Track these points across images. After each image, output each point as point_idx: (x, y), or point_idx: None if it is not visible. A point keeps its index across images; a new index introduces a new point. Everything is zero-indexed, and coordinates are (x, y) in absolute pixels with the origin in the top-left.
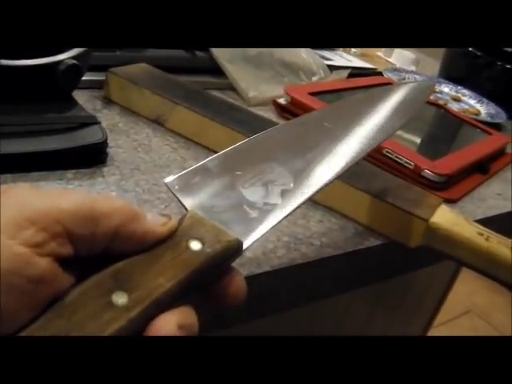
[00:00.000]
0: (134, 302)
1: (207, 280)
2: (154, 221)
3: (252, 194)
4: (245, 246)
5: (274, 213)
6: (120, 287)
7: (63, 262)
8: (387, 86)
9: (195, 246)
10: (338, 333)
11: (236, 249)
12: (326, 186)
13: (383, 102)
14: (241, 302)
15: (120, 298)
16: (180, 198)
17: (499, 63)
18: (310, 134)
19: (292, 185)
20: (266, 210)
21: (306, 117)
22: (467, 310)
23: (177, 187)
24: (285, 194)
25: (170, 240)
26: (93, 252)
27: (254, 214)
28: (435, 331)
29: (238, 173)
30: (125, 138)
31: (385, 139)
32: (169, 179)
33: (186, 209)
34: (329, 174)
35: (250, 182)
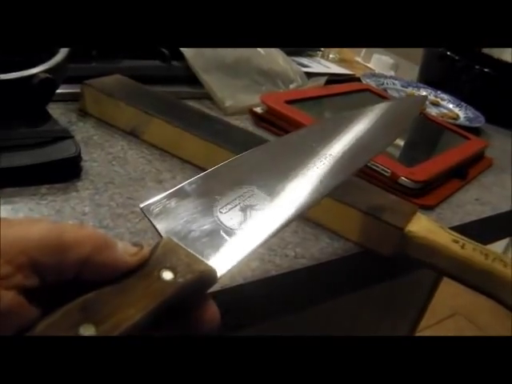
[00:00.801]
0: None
1: (180, 309)
2: (125, 250)
3: (230, 218)
4: (220, 273)
5: (251, 239)
6: (88, 319)
7: (30, 292)
8: (378, 105)
9: (167, 275)
10: None
11: (209, 278)
12: (307, 209)
13: (371, 120)
14: (214, 330)
15: (87, 331)
16: (155, 224)
17: (477, 67)
18: (293, 154)
19: (271, 209)
20: (243, 235)
21: (290, 136)
22: (453, 313)
23: (152, 212)
24: (263, 218)
25: (141, 269)
26: (61, 282)
27: (230, 240)
28: (421, 334)
29: (216, 197)
30: (99, 151)
31: (372, 158)
32: (144, 204)
33: (160, 235)
34: (310, 197)
35: (228, 206)
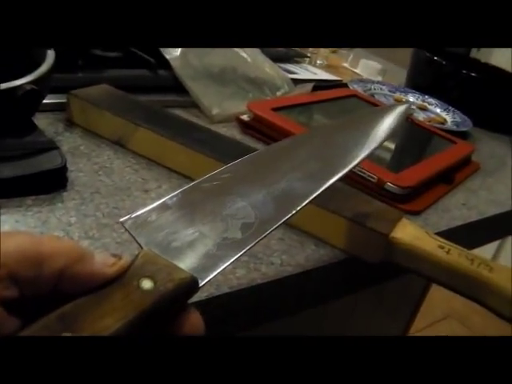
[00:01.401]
0: None
1: (161, 318)
2: (103, 261)
3: (211, 229)
4: (201, 282)
5: (232, 248)
6: (66, 330)
7: (9, 304)
8: (362, 113)
9: (146, 284)
10: None
11: (190, 286)
12: (289, 218)
13: (355, 128)
14: None
15: None
16: (136, 237)
17: (464, 71)
18: (277, 165)
19: (253, 218)
20: (224, 245)
21: (274, 147)
22: (445, 316)
23: (133, 226)
24: (245, 228)
25: (120, 280)
26: (40, 293)
27: (212, 249)
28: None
29: (198, 208)
30: (86, 161)
31: (355, 165)
32: (124, 218)
33: (141, 247)
34: (292, 207)
35: (209, 217)
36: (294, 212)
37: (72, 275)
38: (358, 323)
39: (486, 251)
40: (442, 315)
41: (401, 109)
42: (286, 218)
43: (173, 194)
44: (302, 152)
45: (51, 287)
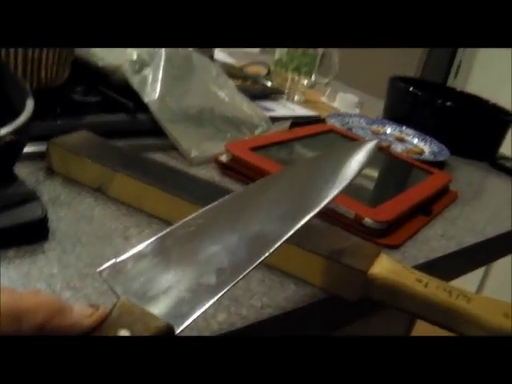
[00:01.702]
0: None
1: None
2: (81, 312)
3: (186, 275)
4: (178, 329)
5: (208, 293)
6: None
7: None
8: (332, 150)
9: (124, 334)
10: None
11: (166, 334)
12: (263, 261)
13: (325, 167)
14: None
15: None
16: (113, 286)
17: (439, 101)
18: (248, 207)
19: (227, 263)
20: (199, 290)
21: (248, 188)
22: None
23: (110, 275)
24: (219, 273)
25: (98, 330)
26: None
27: (187, 296)
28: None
29: (173, 255)
30: (67, 209)
31: (326, 204)
32: (102, 268)
33: (118, 297)
34: (265, 249)
35: (184, 263)
36: (266, 254)
37: (51, 328)
38: (357, 326)
39: (472, 281)
40: None
41: (370, 145)
42: (259, 260)
43: (148, 242)
44: (272, 193)
45: None
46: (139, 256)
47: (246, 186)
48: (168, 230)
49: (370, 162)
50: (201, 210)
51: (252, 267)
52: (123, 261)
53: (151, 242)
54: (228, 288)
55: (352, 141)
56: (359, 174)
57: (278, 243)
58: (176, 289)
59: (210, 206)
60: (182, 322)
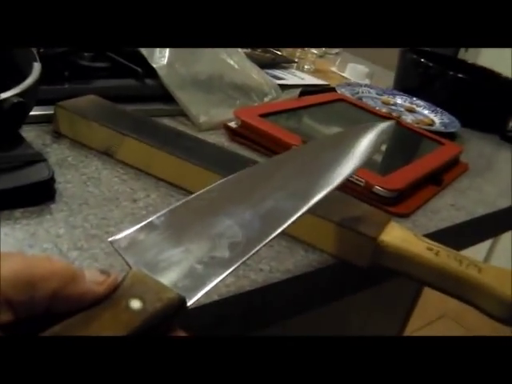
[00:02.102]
0: None
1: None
2: (93, 279)
3: (199, 248)
4: (190, 301)
5: (220, 267)
6: None
7: (4, 326)
8: (347, 130)
9: (135, 304)
10: None
11: (178, 305)
12: (276, 237)
13: (340, 147)
14: None
15: None
16: (125, 257)
17: (451, 72)
18: (263, 184)
19: (240, 237)
20: (212, 264)
21: (261, 165)
22: (441, 315)
23: (122, 245)
24: (233, 247)
25: (110, 299)
26: (33, 315)
27: (200, 268)
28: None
29: (185, 228)
30: (74, 172)
31: (340, 183)
32: (114, 238)
33: (130, 267)
34: (278, 225)
35: (197, 236)
36: (279, 230)
37: (64, 296)
38: (352, 324)
39: (479, 252)
40: (437, 315)
41: (384, 125)
42: (273, 236)
43: (160, 214)
44: (287, 171)
45: (44, 308)
46: (151, 227)
47: (260, 163)
48: (181, 202)
49: (385, 142)
50: (214, 184)
51: (265, 243)
52: (135, 231)
53: (163, 214)
54: (240, 262)
55: (362, 110)
56: (374, 153)
57: (292, 220)
58: (188, 261)
59: (224, 179)
60: (194, 295)
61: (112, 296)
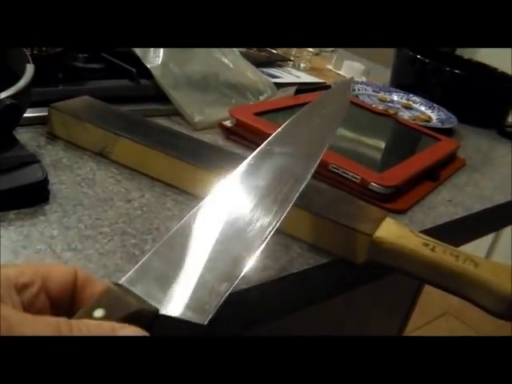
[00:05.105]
0: None
1: None
2: None
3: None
4: (206, 321)
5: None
6: None
7: None
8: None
9: (98, 313)
10: None
11: (149, 315)
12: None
13: (309, 119)
14: None
15: None
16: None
17: (447, 68)
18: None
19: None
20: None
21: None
22: (443, 312)
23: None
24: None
25: (80, 311)
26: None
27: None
28: (413, 335)
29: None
30: (68, 173)
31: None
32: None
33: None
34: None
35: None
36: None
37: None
38: (353, 322)
39: (481, 247)
40: (439, 312)
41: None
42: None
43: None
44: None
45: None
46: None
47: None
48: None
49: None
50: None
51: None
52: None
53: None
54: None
55: (359, 108)
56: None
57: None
58: (167, 273)
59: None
60: (209, 312)
61: (83, 308)
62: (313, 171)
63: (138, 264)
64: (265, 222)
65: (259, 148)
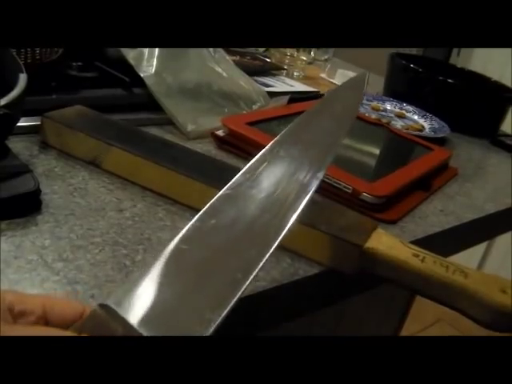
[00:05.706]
0: None
1: None
2: None
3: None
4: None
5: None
6: None
7: None
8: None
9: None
10: None
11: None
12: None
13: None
14: None
15: None
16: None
17: (441, 77)
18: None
19: None
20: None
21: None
22: (437, 319)
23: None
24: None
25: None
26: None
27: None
28: None
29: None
30: (60, 182)
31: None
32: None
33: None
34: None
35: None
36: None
37: None
38: (346, 330)
39: (474, 256)
40: (433, 319)
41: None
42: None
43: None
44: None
45: None
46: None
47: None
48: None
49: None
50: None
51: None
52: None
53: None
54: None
55: None
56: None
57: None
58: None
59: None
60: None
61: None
62: (321, 178)
63: (126, 283)
64: (262, 245)
65: (263, 150)
